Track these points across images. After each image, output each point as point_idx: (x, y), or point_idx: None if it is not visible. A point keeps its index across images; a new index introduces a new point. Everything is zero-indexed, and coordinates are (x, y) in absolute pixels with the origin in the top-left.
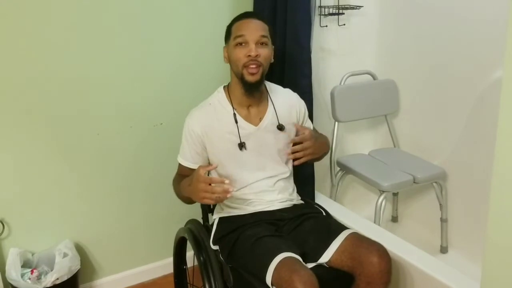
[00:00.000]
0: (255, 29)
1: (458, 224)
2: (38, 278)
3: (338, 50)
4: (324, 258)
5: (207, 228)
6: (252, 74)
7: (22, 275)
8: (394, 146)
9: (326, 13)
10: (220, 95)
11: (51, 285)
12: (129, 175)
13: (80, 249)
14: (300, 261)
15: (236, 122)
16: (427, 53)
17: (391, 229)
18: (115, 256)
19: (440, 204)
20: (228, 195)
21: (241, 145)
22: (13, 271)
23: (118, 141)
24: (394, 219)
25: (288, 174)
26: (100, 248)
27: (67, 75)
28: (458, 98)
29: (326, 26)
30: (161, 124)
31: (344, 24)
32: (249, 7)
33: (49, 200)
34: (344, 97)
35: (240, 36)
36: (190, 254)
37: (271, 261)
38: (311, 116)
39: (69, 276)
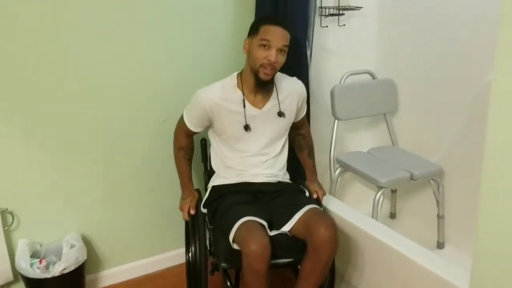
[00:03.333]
0: (280, 38)
1: (455, 220)
2: (47, 267)
3: (338, 50)
4: (287, 227)
5: (201, 197)
6: (266, 74)
7: (31, 265)
8: (393, 144)
9: (327, 13)
10: (232, 81)
11: (59, 274)
12: (135, 170)
13: (86, 241)
14: (258, 224)
15: (244, 106)
16: (425, 53)
17: (389, 225)
18: (120, 247)
19: (437, 201)
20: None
21: (246, 127)
22: (22, 261)
23: (124, 137)
24: (392, 215)
25: (277, 153)
26: (106, 240)
27: (77, 73)
28: (455, 97)
29: (327, 26)
30: (164, 121)
31: (344, 25)
32: (251, 6)
33: (56, 193)
34: (344, 96)
35: (266, 40)
36: None
37: (235, 223)
38: (308, 114)
39: (76, 266)
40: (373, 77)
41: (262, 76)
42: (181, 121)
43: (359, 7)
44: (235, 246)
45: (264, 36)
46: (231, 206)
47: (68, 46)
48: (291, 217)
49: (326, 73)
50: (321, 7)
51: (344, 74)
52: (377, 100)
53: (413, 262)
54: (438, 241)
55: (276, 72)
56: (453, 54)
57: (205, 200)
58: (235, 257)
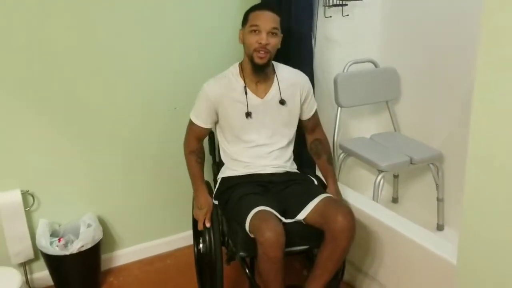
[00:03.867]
0: (268, 21)
1: (454, 203)
2: (65, 245)
3: (341, 40)
4: (301, 216)
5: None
6: (261, 58)
7: (51, 243)
8: (395, 131)
9: (330, 4)
10: (234, 69)
11: (77, 251)
12: (149, 155)
13: (102, 222)
14: (272, 213)
15: (246, 94)
16: (426, 42)
17: (391, 209)
18: (134, 229)
19: (437, 184)
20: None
21: (248, 114)
22: (43, 239)
23: (138, 124)
24: (395, 200)
25: (284, 144)
26: (120, 222)
27: (92, 63)
28: (455, 85)
29: (331, 16)
30: (175, 108)
31: (348, 15)
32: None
33: (74, 176)
34: (347, 84)
35: (255, 25)
36: None
37: (249, 213)
38: None
39: (92, 244)
40: (376, 65)
41: (257, 60)
42: (189, 125)
43: None
44: (251, 235)
45: (253, 22)
46: (243, 197)
47: (94, 43)
48: (305, 206)
49: (330, 61)
50: None
51: (347, 63)
52: (379, 88)
53: (412, 241)
54: (437, 224)
55: (271, 56)
56: (453, 43)
57: (216, 191)
58: (253, 246)
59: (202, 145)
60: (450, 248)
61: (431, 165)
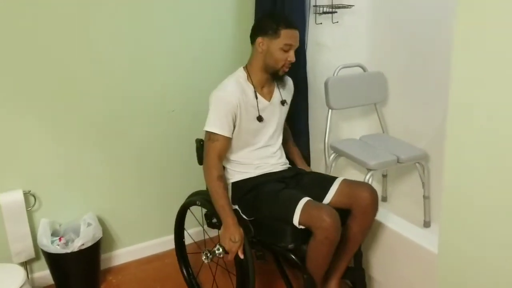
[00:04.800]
0: (297, 40)
1: (440, 200)
2: (66, 244)
3: (332, 45)
4: (326, 200)
5: None
6: (285, 72)
7: (52, 242)
8: (383, 132)
9: (321, 11)
10: (242, 74)
11: (77, 249)
12: (145, 157)
13: (101, 222)
14: (319, 202)
15: (257, 97)
16: (412, 47)
17: (381, 207)
18: (133, 228)
19: (423, 183)
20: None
21: (260, 118)
22: (44, 238)
23: (135, 126)
24: (384, 198)
25: (281, 143)
26: (119, 222)
27: (97, 68)
28: (439, 88)
29: (321, 23)
30: (172, 111)
31: (337, 22)
32: (252, 5)
33: (74, 177)
34: (337, 87)
35: (289, 44)
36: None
37: (296, 205)
38: (307, 102)
39: (92, 243)
40: (364, 70)
41: (281, 73)
42: (209, 143)
43: (351, 5)
44: (301, 227)
45: (288, 41)
46: (278, 194)
47: (90, 45)
48: (327, 191)
49: (321, 66)
50: (315, 6)
51: (337, 67)
52: (368, 91)
53: (399, 235)
54: (424, 220)
55: None
56: (438, 47)
57: (231, 196)
58: (301, 236)
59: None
60: (433, 240)
61: (417, 164)
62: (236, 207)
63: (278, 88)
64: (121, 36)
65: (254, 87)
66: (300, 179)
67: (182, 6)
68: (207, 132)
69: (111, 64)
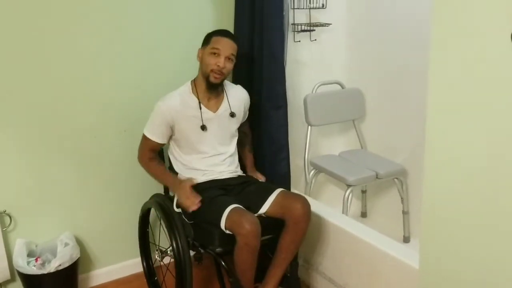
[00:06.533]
0: (228, 47)
1: (419, 215)
2: (42, 265)
3: (310, 62)
4: (263, 210)
5: (170, 198)
6: (215, 78)
7: (28, 263)
8: (362, 148)
9: (299, 29)
10: (187, 88)
11: (54, 270)
12: (122, 176)
13: (79, 242)
14: (245, 209)
15: (200, 108)
16: (389, 64)
17: (360, 223)
18: (110, 248)
19: (402, 198)
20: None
21: (203, 127)
22: (20, 259)
23: (112, 144)
24: (363, 214)
25: (232, 152)
26: (97, 241)
27: (66, 86)
28: (416, 104)
29: (299, 41)
30: (124, 131)
31: (315, 39)
32: (231, 23)
33: (51, 196)
34: (316, 103)
35: (216, 48)
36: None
37: (223, 211)
38: (286, 119)
39: (70, 263)
40: (342, 86)
41: (212, 79)
42: (143, 140)
43: (328, 24)
44: (227, 232)
45: (215, 45)
46: (212, 200)
47: (54, 61)
48: (265, 201)
49: (300, 83)
50: (294, 24)
51: (316, 84)
52: (346, 108)
53: (377, 249)
54: (404, 236)
55: (224, 77)
56: (414, 65)
57: (177, 200)
58: (228, 241)
59: (157, 154)
60: (413, 254)
61: (396, 180)
62: (180, 210)
63: (228, 100)
64: (86, 52)
65: (198, 99)
66: (245, 187)
67: (144, 27)
68: (143, 133)
69: (78, 77)
